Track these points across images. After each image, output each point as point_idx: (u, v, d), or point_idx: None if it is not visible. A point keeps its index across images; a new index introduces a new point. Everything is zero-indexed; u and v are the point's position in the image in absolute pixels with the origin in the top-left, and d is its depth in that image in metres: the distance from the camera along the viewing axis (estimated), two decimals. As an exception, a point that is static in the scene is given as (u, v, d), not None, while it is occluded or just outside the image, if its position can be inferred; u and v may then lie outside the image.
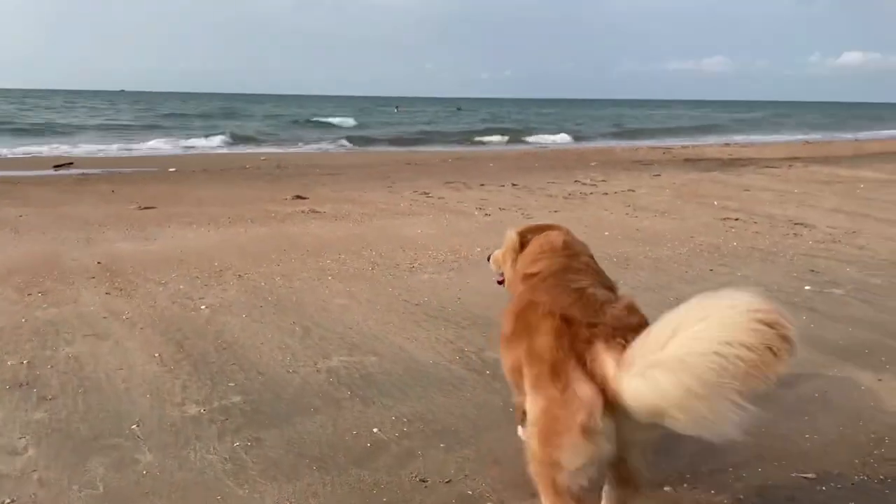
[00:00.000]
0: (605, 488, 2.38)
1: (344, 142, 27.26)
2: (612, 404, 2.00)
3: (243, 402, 3.55)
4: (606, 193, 11.60)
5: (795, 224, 8.72)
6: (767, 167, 16.74)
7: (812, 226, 8.64)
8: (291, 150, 23.90)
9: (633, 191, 11.95)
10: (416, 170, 15.54)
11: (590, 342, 2.11)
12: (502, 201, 10.60)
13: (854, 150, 23.24)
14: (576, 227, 7.91)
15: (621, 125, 45.84)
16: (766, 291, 4.77)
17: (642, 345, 1.93)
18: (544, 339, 2.24)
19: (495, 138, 30.76)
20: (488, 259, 3.45)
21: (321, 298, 5.34)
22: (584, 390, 2.04)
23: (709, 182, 13.36)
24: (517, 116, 60.80)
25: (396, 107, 72.79)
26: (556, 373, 2.14)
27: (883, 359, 4.13)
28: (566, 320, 2.22)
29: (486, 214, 9.34)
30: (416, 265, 6.43)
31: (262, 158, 18.33)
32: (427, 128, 38.26)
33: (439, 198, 10.88)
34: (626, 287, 5.68)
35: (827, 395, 3.64)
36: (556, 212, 9.61)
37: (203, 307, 5.07)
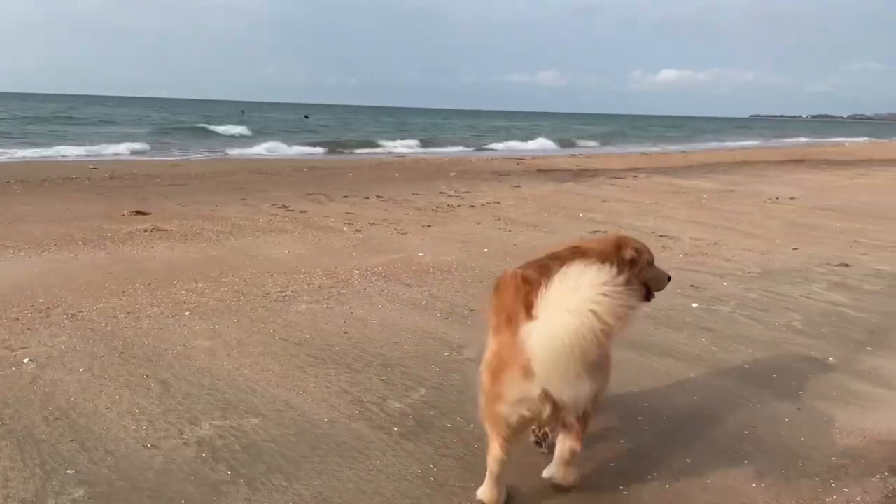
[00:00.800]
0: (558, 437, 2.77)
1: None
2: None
3: (88, 498, 2.72)
4: (473, 206, 11.37)
5: (661, 236, 8.90)
6: (616, 178, 17.45)
7: (676, 237, 8.88)
8: (128, 157, 21.71)
9: (499, 203, 11.83)
10: (271, 180, 14.52)
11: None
12: (371, 215, 10.01)
13: (684, 160, 25.02)
14: (453, 244, 7.48)
15: (471, 135, 46.76)
16: (659, 311, 4.50)
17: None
18: (506, 295, 2.64)
19: (353, 148, 30.03)
20: None
21: (180, 341, 4.48)
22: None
23: (567, 194, 13.58)
24: (368, 124, 60.30)
25: (306, 116, 70.77)
26: (510, 321, 2.52)
27: (793, 384, 4.05)
28: (525, 279, 2.62)
29: (357, 230, 8.71)
30: (288, 293, 5.70)
31: (91, 167, 16.36)
32: (276, 136, 36.68)
33: (302, 211, 10.08)
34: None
35: (756, 431, 3.45)
36: (428, 226, 9.20)
37: (26, 361, 4.05)
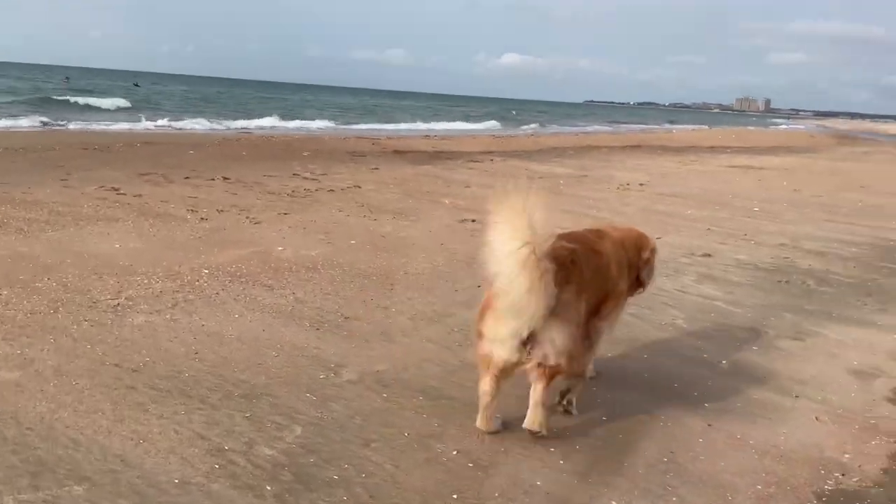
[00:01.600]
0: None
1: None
2: None
3: None
4: (333, 190, 10.62)
5: (529, 225, 8.71)
6: (473, 161, 17.32)
7: (544, 227, 8.72)
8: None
9: (360, 187, 11.17)
10: (98, 157, 12.80)
11: None
12: (217, 200, 8.97)
13: (534, 144, 25.57)
14: (315, 235, 6.75)
15: (320, 111, 45.18)
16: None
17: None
18: None
19: (193, 120, 27.69)
20: None
21: (-28, 374, 3.48)
22: None
23: (428, 177, 13.16)
24: (207, 96, 56.56)
25: (136, 84, 64.60)
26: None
27: (696, 394, 3.86)
28: None
29: (203, 219, 7.71)
30: (122, 300, 4.75)
31: None
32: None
33: (136, 195, 8.84)
34: (404, 318, 4.84)
35: (675, 457, 3.16)
36: (285, 214, 8.37)
37: None
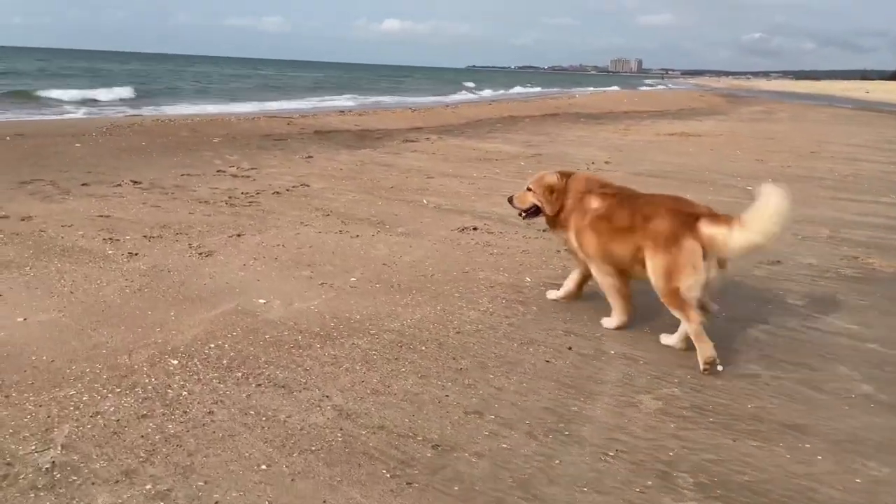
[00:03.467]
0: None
1: None
2: (710, 252, 3.78)
3: None
4: (278, 192, 8.63)
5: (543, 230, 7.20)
6: (409, 141, 15.56)
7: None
8: None
9: (307, 185, 9.22)
10: (-45, 159, 10.04)
11: (696, 220, 3.82)
12: (138, 218, 6.85)
13: (456, 117, 23.95)
14: (297, 270, 5.16)
15: (201, 85, 41.36)
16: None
17: (750, 216, 3.65)
18: (664, 223, 3.89)
19: (64, 104, 24.01)
20: (510, 201, 4.83)
21: None
22: (691, 245, 3.78)
23: (377, 166, 11.32)
24: (69, 70, 50.75)
25: None
26: (672, 240, 3.83)
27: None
28: (674, 211, 3.92)
29: (132, 254, 5.64)
30: (54, 459, 2.82)
31: None
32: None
33: (24, 219, 6.58)
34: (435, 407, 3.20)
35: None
36: (238, 235, 6.42)
37: None
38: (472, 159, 12.67)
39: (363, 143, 15.01)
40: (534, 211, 4.68)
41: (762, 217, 3.60)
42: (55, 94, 26.29)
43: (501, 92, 50.16)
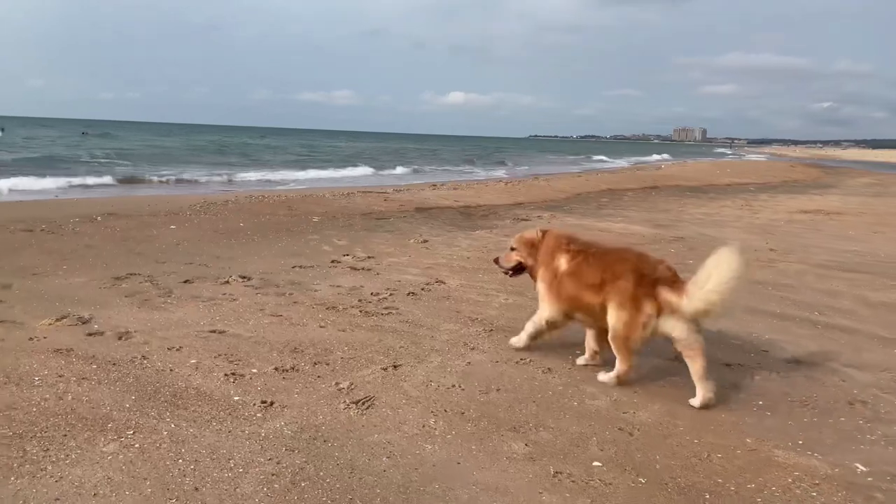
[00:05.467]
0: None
1: None
2: (663, 314, 4.25)
3: None
4: (413, 293, 7.10)
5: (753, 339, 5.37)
6: (520, 220, 14.07)
7: (771, 344, 5.37)
8: None
9: (442, 282, 7.70)
10: (47, 245, 8.96)
11: (654, 286, 4.28)
12: (259, 334, 5.37)
13: (552, 190, 22.46)
14: (477, 421, 3.15)
15: (285, 158, 41.49)
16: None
17: (695, 284, 4.09)
18: (625, 284, 4.35)
19: (155, 176, 23.76)
20: (495, 262, 5.32)
21: None
22: (648, 310, 4.26)
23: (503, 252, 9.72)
24: (159, 144, 52.33)
25: (84, 132, 60.55)
26: (635, 300, 4.31)
27: None
28: (639, 273, 4.37)
29: (267, 404, 4.10)
30: None
31: None
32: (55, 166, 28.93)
33: (120, 335, 5.19)
34: None
35: None
36: (395, 367, 4.83)
37: None
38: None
39: (472, 222, 13.58)
40: (518, 268, 5.11)
41: (706, 286, 4.02)
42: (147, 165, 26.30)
43: (573, 166, 48.84)
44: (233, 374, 4.54)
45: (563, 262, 4.71)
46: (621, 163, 52.65)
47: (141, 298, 6.45)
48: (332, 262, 8.68)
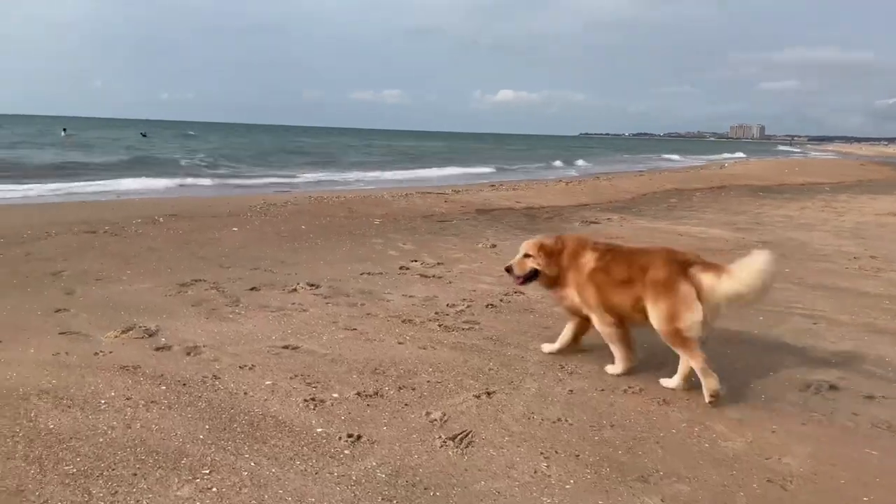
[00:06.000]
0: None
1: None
2: (700, 296, 4.12)
3: None
4: (493, 305, 6.57)
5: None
6: (589, 222, 13.41)
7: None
8: None
9: (521, 293, 7.12)
10: (109, 247, 8.74)
11: (688, 266, 4.22)
12: (335, 351, 4.92)
13: (615, 190, 21.62)
14: (597, 464, 3.48)
15: (342, 158, 41.50)
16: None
17: (738, 266, 4.08)
18: (660, 271, 4.25)
19: (218, 178, 23.90)
20: (507, 270, 5.02)
21: None
22: (686, 289, 4.15)
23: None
24: (216, 144, 53.17)
25: (144, 134, 63.29)
26: (669, 286, 4.20)
27: None
28: (668, 262, 4.29)
29: (353, 438, 3.63)
30: None
31: None
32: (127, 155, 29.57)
33: (188, 350, 4.84)
34: None
35: None
36: (489, 394, 4.31)
37: None
38: (683, 245, 10.21)
39: (537, 224, 12.99)
40: (531, 276, 4.92)
41: (748, 270, 4.05)
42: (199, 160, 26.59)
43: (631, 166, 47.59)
44: (312, 399, 4.09)
45: (590, 261, 4.67)
46: (689, 160, 51.18)
47: (208, 308, 6.09)
48: (401, 268, 8.23)
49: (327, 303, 6.44)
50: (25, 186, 18.17)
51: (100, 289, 6.66)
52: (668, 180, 25.81)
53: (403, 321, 5.88)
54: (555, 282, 4.85)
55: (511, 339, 5.47)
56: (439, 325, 5.78)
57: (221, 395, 4.13)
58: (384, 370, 4.65)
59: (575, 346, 5.05)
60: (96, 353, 4.76)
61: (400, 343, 5.28)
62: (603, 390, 4.44)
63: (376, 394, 4.23)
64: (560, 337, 5.08)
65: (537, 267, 4.84)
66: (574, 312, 4.90)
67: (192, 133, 65.76)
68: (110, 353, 4.80)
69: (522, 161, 43.71)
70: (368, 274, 7.81)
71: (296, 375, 4.48)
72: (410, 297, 6.80)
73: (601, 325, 4.65)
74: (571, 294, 4.76)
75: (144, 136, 61.17)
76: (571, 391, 4.41)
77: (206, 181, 22.65)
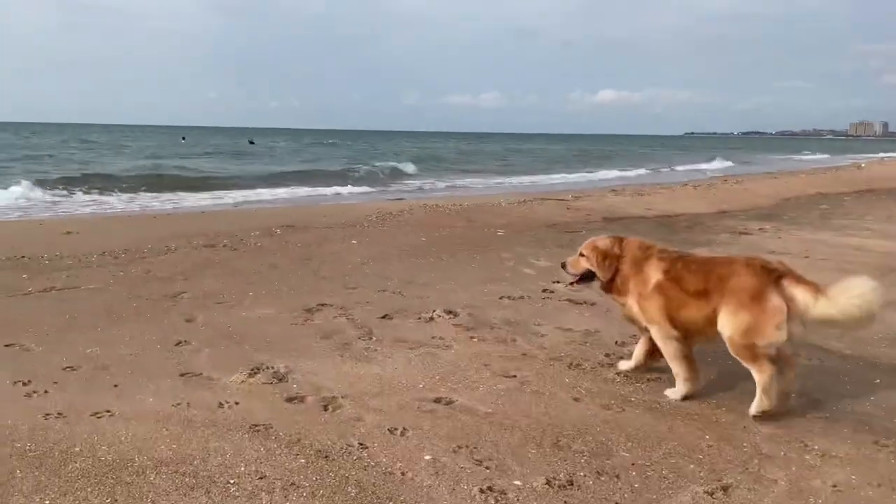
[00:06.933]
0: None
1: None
2: (791, 313, 3.73)
3: None
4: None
5: None
6: (739, 233, 11.91)
7: None
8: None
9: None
10: (230, 264, 8.22)
11: (779, 279, 3.81)
12: (516, 412, 3.95)
13: (754, 195, 19.66)
14: None
15: (447, 162, 40.95)
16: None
17: (836, 289, 3.67)
18: (746, 280, 3.85)
19: (326, 185, 23.81)
20: (563, 266, 4.73)
21: None
22: (777, 303, 3.75)
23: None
24: (322, 150, 54.15)
25: (183, 137, 68.02)
26: (757, 297, 3.80)
27: None
28: (757, 271, 3.87)
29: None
30: None
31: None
32: (229, 167, 30.25)
33: (328, 405, 3.98)
34: None
35: None
36: (724, 489, 3.20)
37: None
38: (857, 262, 8.61)
39: (679, 236, 11.60)
40: (587, 276, 4.59)
41: (847, 294, 3.65)
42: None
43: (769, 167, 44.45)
44: (489, 489, 3.14)
45: (656, 272, 4.27)
46: (822, 158, 47.52)
47: (339, 342, 5.29)
48: (544, 291, 7.20)
49: (472, 337, 5.51)
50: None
51: (221, 314, 6.02)
52: (807, 184, 23.45)
53: (570, 366, 4.86)
54: (612, 287, 4.47)
55: (717, 396, 4.33)
56: (618, 375, 4.70)
57: (373, 476, 3.24)
58: (569, 443, 3.63)
59: (652, 362, 4.60)
60: (221, 405, 4.02)
61: (576, 399, 4.25)
62: (879, 485, 3.23)
63: (570, 483, 3.22)
64: (634, 354, 4.70)
65: (591, 269, 4.50)
66: (633, 322, 4.52)
67: (332, 141, 68.55)
68: (236, 403, 4.05)
69: (634, 161, 41.70)
70: (509, 298, 6.84)
71: (460, 447, 3.55)
72: (567, 330, 5.76)
73: (663, 339, 4.25)
74: (631, 303, 4.40)
75: (252, 143, 63.43)
76: (835, 487, 3.23)
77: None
